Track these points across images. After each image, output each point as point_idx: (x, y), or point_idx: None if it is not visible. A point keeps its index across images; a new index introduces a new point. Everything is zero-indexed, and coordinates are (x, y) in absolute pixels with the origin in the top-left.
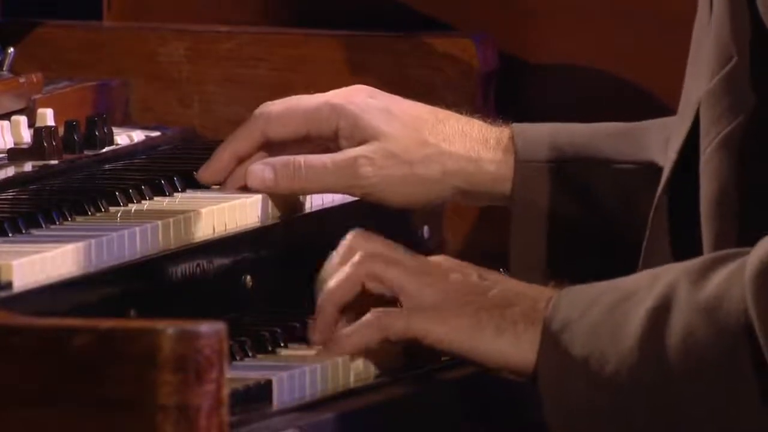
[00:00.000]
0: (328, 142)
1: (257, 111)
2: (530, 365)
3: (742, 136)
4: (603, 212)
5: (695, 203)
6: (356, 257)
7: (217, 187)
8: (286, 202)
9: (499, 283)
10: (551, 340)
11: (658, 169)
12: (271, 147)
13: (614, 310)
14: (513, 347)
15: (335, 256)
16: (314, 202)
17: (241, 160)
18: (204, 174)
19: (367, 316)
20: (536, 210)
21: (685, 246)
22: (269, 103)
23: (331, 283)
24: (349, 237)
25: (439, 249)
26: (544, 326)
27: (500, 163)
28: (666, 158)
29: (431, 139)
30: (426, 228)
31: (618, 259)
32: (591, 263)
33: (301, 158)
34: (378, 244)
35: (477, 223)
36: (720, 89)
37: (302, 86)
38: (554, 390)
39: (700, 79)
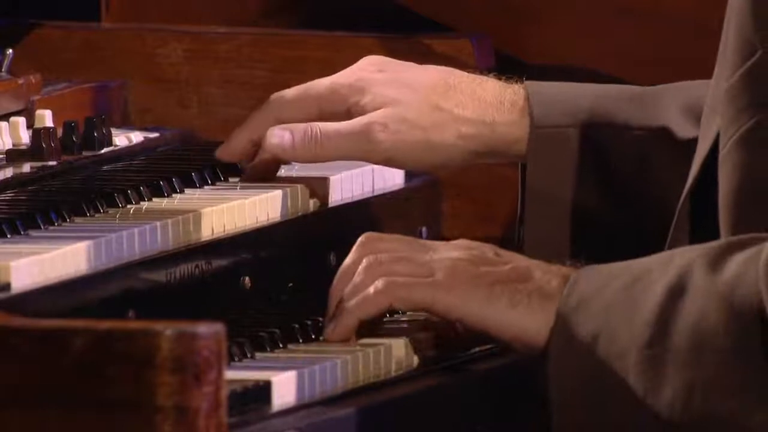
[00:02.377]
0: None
1: (271, 96)
2: (542, 340)
3: (763, 131)
4: (617, 177)
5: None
6: (380, 283)
7: (214, 187)
8: (285, 204)
9: (515, 259)
10: (565, 316)
11: (671, 135)
12: None
13: (629, 289)
14: (526, 320)
15: (348, 259)
16: (313, 204)
17: (257, 144)
18: (222, 153)
19: (379, 283)
20: (550, 174)
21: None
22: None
23: (346, 292)
24: (361, 239)
25: None
26: (560, 306)
27: (515, 125)
28: (681, 126)
29: (444, 104)
30: (424, 228)
31: (633, 224)
32: (605, 227)
33: (317, 125)
34: (388, 242)
35: (475, 224)
36: (741, 84)
37: None
38: (562, 365)
39: (724, 75)
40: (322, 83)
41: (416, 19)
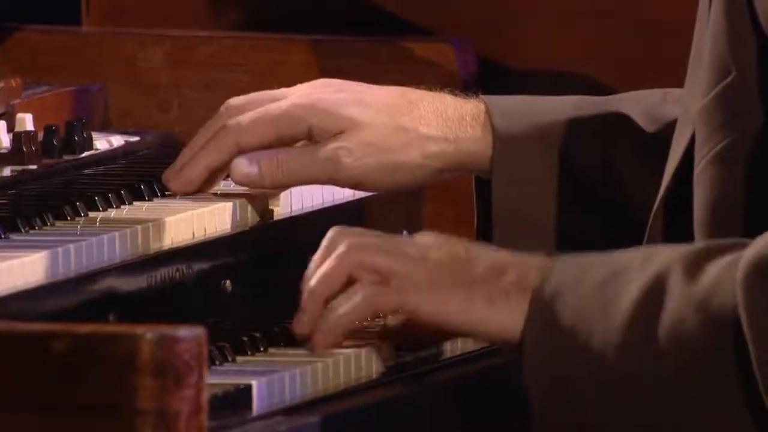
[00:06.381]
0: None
1: (228, 123)
2: (520, 334)
3: (737, 150)
4: (583, 183)
5: (692, 215)
6: (339, 249)
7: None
8: (265, 206)
9: (488, 255)
10: (539, 309)
11: (634, 131)
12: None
13: (605, 286)
14: (505, 317)
15: (318, 252)
16: (294, 206)
17: (214, 172)
18: (174, 184)
19: (357, 294)
20: (516, 185)
21: None
22: (235, 103)
23: (315, 278)
24: (330, 232)
25: None
26: (534, 295)
27: (478, 139)
28: (643, 123)
29: (408, 124)
30: (405, 232)
31: (602, 231)
32: (573, 235)
33: (283, 153)
34: (360, 235)
35: (455, 227)
36: (716, 104)
37: None
38: (538, 358)
39: (697, 91)
40: (280, 106)
41: (398, 22)
